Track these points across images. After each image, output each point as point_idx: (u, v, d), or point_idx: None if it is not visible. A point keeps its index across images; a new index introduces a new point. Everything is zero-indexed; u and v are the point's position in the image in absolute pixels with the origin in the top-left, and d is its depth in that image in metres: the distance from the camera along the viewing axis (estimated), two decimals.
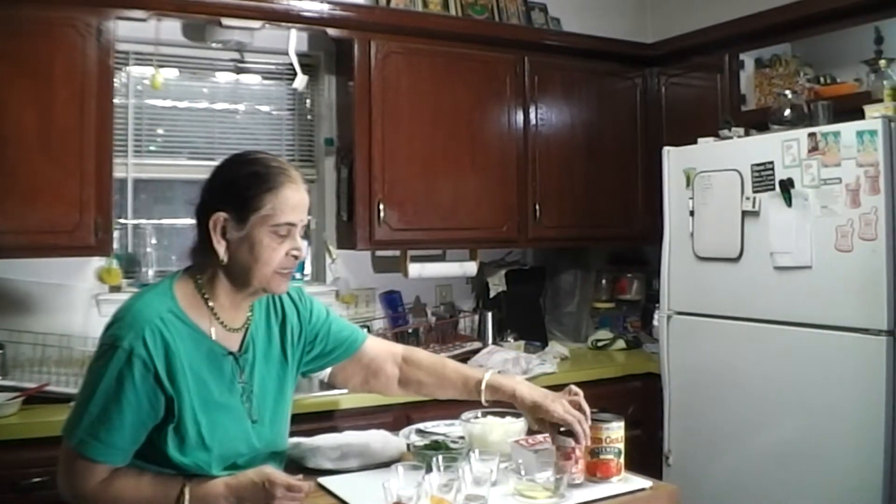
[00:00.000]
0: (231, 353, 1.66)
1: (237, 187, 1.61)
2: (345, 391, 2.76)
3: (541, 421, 1.78)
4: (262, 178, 1.61)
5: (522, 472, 1.69)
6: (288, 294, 1.84)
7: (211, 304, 1.65)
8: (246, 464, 1.63)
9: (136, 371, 1.50)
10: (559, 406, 1.74)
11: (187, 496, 1.52)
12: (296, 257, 1.65)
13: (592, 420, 1.77)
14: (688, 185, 3.14)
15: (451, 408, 2.06)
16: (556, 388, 3.15)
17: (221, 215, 1.59)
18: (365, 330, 2.04)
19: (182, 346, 1.57)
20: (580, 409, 1.75)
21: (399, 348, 2.00)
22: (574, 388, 1.82)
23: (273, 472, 1.54)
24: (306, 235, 3.63)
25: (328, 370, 1.94)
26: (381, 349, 1.98)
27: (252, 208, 1.59)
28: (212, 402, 1.60)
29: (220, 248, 1.60)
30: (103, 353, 1.53)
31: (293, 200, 1.62)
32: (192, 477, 1.56)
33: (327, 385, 2.65)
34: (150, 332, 1.52)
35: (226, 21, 3.09)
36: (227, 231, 1.60)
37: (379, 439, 1.97)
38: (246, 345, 1.70)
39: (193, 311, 1.62)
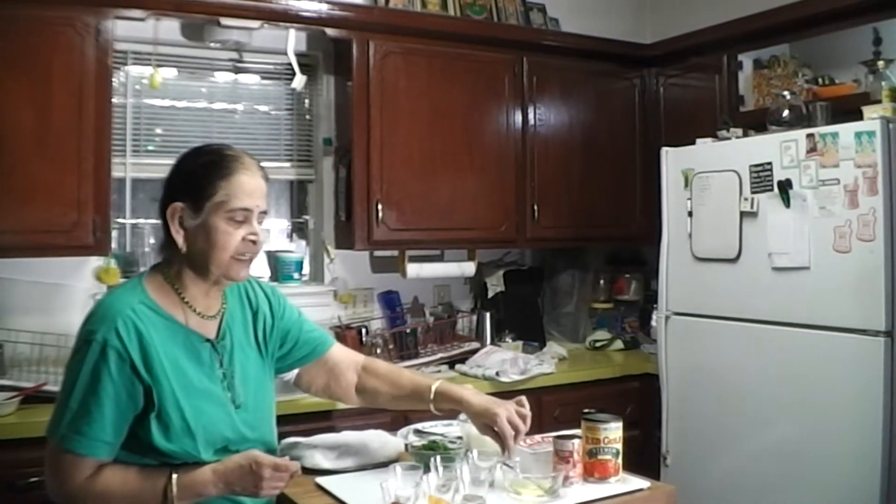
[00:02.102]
0: (208, 340, 1.67)
1: (192, 177, 1.63)
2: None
3: (487, 427, 1.78)
4: (216, 166, 1.63)
5: (520, 473, 1.69)
6: (261, 288, 1.86)
7: (182, 294, 1.66)
8: (238, 451, 1.62)
9: (111, 362, 1.51)
10: (503, 412, 1.75)
11: (174, 485, 1.52)
12: (254, 242, 1.65)
13: (590, 420, 1.77)
14: (686, 185, 3.14)
15: None
16: (554, 388, 3.21)
17: (178, 205, 1.62)
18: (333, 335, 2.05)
19: (156, 334, 1.58)
20: (524, 420, 1.76)
21: (361, 357, 2.02)
22: (523, 399, 1.83)
23: (259, 454, 1.55)
24: (305, 235, 3.64)
25: (295, 371, 1.93)
26: (345, 356, 1.99)
27: (206, 195, 1.61)
28: (192, 389, 1.60)
29: (179, 237, 1.62)
30: (78, 349, 1.55)
31: (248, 186, 1.63)
32: (179, 466, 1.56)
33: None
34: (123, 322, 1.54)
35: (224, 21, 3.09)
36: (185, 220, 1.62)
37: (377, 439, 1.98)
38: (223, 332, 1.71)
39: (165, 302, 1.64)
